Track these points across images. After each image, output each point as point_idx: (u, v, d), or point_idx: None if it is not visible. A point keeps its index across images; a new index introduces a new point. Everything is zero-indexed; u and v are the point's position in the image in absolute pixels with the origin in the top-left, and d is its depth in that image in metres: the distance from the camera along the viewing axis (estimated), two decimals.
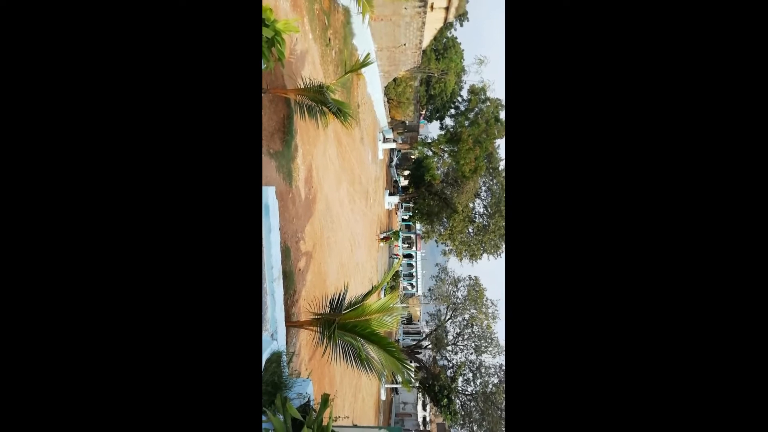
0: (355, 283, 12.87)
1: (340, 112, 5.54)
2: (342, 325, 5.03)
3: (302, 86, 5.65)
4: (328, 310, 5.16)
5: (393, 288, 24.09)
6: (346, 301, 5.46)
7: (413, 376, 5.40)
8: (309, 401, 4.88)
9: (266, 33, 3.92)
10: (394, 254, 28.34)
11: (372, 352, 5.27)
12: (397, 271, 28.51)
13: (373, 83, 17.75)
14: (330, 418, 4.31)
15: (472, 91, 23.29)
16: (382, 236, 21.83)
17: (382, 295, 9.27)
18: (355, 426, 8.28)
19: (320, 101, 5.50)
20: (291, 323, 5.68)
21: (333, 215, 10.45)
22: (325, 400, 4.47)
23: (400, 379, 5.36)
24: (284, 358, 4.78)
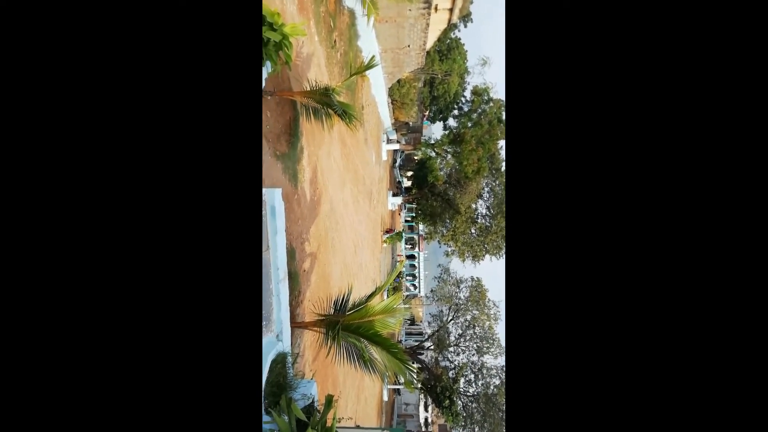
0: (359, 284, 12.91)
1: (345, 114, 5.58)
2: (346, 326, 5.07)
3: (308, 89, 5.70)
4: (332, 311, 5.20)
5: (396, 289, 24.10)
6: (350, 303, 5.50)
7: (415, 377, 5.43)
8: (313, 402, 4.92)
9: (274, 37, 3.97)
10: (398, 256, 28.32)
11: (375, 353, 5.31)
12: (400, 272, 28.50)
13: (377, 85, 17.79)
14: (334, 419, 4.35)
15: (475, 92, 23.27)
16: (385, 236, 21.86)
17: (386, 297, 9.31)
18: (358, 427, 8.32)
19: (326, 103, 5.54)
20: (296, 324, 5.72)
21: (337, 216, 10.50)
22: (329, 401, 4.50)
23: (402, 380, 5.39)
24: (289, 359, 4.83)
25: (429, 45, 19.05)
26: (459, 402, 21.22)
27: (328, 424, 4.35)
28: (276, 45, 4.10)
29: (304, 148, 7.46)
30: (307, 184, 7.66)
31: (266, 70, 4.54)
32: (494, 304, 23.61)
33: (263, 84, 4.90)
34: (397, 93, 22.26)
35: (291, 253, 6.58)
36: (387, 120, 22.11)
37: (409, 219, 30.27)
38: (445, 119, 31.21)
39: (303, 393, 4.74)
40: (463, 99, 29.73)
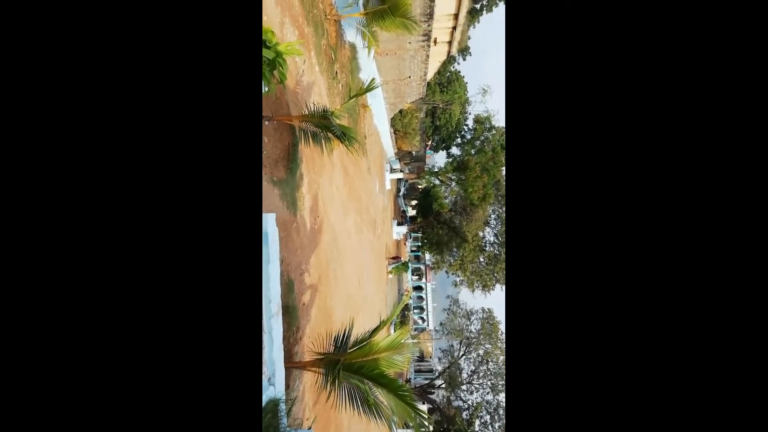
0: (363, 318, 12.28)
1: (345, 136, 5.34)
2: (347, 365, 4.52)
3: (306, 113, 5.52)
4: (332, 349, 4.67)
5: (402, 323, 23.15)
6: (353, 339, 4.97)
7: (427, 422, 4.76)
8: None
9: (267, 54, 3.79)
10: (405, 291, 27.53)
11: (381, 395, 4.72)
12: (406, 305, 27.62)
13: (379, 115, 18.00)
14: None
15: (477, 120, 23.51)
16: (391, 265, 21.28)
17: (392, 331, 8.70)
18: None
19: (325, 126, 5.32)
20: (292, 364, 5.17)
21: (339, 246, 10.10)
22: None
23: (412, 425, 4.76)
24: (282, 406, 4.26)
25: (430, 76, 19.45)
26: None
27: None
28: (270, 63, 3.93)
29: (304, 175, 7.20)
30: (307, 212, 7.33)
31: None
32: None
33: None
34: (399, 123, 22.55)
35: (289, 285, 6.13)
36: (390, 149, 22.24)
37: (414, 249, 29.75)
38: (448, 148, 31.47)
39: None
40: (465, 127, 30.10)
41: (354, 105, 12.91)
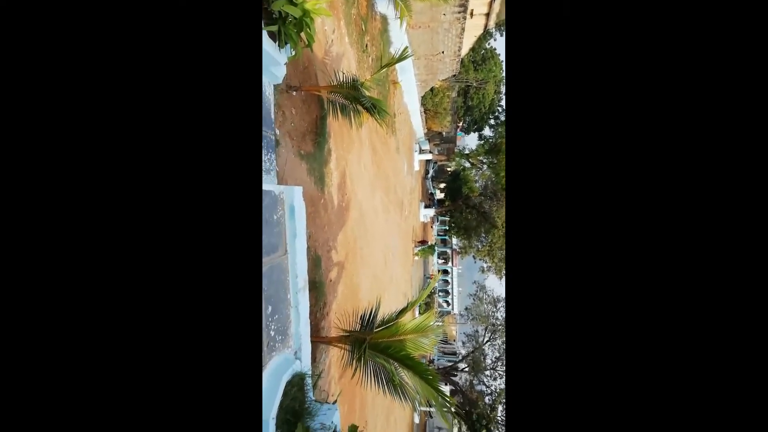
0: (389, 298, 12.23)
1: (374, 108, 5.03)
2: (373, 345, 4.39)
3: (335, 83, 5.25)
4: (358, 327, 4.55)
5: (428, 305, 23.12)
6: (379, 318, 4.83)
7: (450, 406, 4.58)
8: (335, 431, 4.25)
9: (293, 12, 3.53)
10: (430, 276, 27.38)
11: (406, 376, 4.58)
12: (433, 288, 27.53)
13: (409, 92, 17.43)
14: None
15: None
16: (417, 248, 21.08)
17: (417, 314, 8.54)
18: None
19: (354, 98, 5.03)
20: (318, 338, 5.12)
21: (367, 225, 9.96)
22: None
23: (435, 405, 4.62)
24: (308, 380, 4.21)
25: (464, 52, 18.49)
26: None
27: None
28: (296, 23, 3.67)
29: (332, 150, 7.00)
30: (334, 188, 7.18)
31: (286, 54, 4.11)
32: None
33: (284, 75, 4.47)
34: (430, 102, 21.82)
35: (316, 261, 6.05)
36: (420, 129, 21.64)
37: (441, 232, 29.35)
38: (480, 129, 30.31)
39: (322, 422, 4.09)
40: (499, 108, 28.76)
41: (384, 80, 12.47)
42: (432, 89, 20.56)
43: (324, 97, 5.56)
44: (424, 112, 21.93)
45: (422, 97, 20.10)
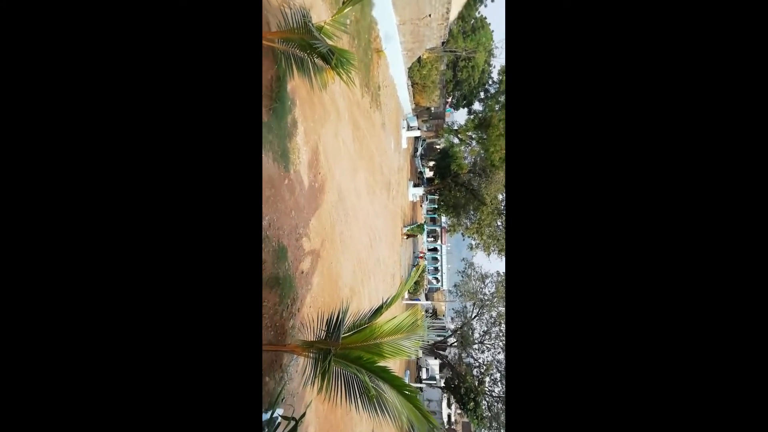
0: (376, 281, 11.67)
1: (332, 55, 4.01)
2: (342, 354, 3.73)
3: (284, 26, 4.17)
4: (323, 335, 3.86)
5: (417, 284, 22.92)
6: (351, 320, 4.15)
7: (434, 427, 4.03)
8: None
9: None
10: (418, 256, 27.13)
11: (383, 387, 3.96)
12: (423, 268, 27.34)
13: (395, 64, 16.25)
14: None
15: (504, 71, 21.34)
16: (406, 229, 20.58)
17: (406, 296, 7.94)
18: None
19: (309, 46, 4.03)
20: (275, 347, 4.40)
21: (347, 207, 9.17)
22: None
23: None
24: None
25: (452, 16, 17.22)
26: (484, 403, 20.63)
27: None
28: None
29: (298, 122, 6.07)
30: (303, 167, 6.31)
31: None
32: None
33: None
34: (417, 75, 20.63)
35: (281, 252, 5.29)
36: (407, 105, 20.55)
37: (431, 211, 28.87)
38: (470, 104, 29.23)
39: None
40: (489, 80, 27.64)
41: (366, 48, 11.34)
42: (419, 61, 19.35)
43: (278, 50, 4.53)
44: (412, 86, 20.77)
45: (409, 69, 18.91)
